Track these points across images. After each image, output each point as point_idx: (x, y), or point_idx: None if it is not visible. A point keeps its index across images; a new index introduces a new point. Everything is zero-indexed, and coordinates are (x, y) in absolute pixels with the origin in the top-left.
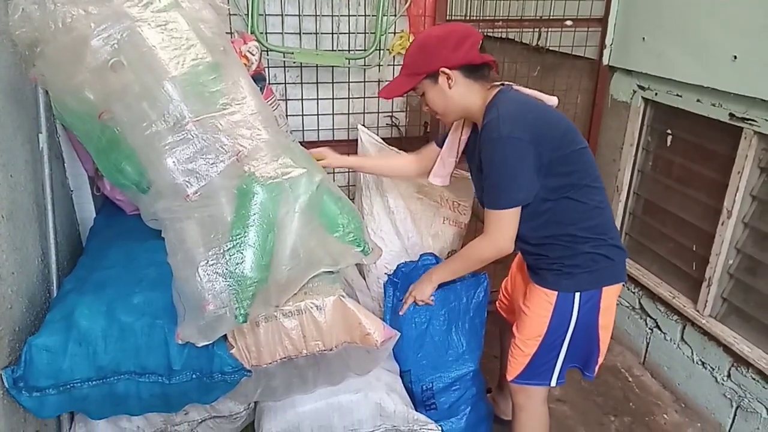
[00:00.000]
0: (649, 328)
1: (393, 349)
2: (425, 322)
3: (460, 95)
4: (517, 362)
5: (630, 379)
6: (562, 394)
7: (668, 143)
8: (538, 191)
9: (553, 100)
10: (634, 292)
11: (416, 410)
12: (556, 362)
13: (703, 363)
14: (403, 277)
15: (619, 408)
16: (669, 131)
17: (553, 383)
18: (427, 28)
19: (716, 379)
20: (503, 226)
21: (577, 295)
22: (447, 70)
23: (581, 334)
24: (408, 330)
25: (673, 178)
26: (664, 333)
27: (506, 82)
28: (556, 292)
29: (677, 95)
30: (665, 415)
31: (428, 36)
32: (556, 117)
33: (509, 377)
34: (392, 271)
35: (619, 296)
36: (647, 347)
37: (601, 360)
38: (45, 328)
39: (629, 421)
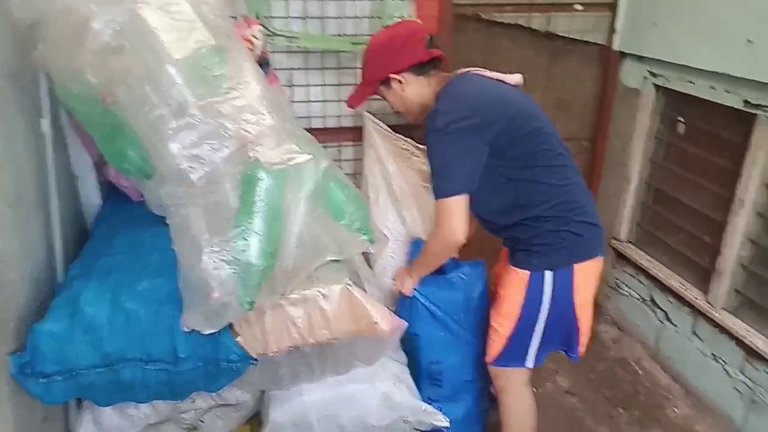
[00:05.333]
0: (660, 321)
1: (401, 311)
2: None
3: (415, 93)
4: (494, 343)
5: (640, 372)
6: (571, 386)
7: (680, 131)
8: (497, 177)
9: (515, 78)
10: (644, 284)
11: (419, 381)
12: (531, 343)
13: (714, 356)
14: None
15: (629, 401)
16: (681, 119)
17: (529, 364)
18: (375, 34)
19: (728, 372)
20: (449, 217)
21: (548, 273)
22: (395, 75)
23: (557, 314)
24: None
25: (685, 167)
26: (675, 325)
27: (465, 70)
28: (528, 272)
29: (690, 82)
30: (675, 409)
31: (373, 44)
32: (505, 100)
33: (488, 360)
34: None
35: (629, 287)
36: (657, 340)
37: (584, 339)
38: (50, 315)
39: (638, 414)
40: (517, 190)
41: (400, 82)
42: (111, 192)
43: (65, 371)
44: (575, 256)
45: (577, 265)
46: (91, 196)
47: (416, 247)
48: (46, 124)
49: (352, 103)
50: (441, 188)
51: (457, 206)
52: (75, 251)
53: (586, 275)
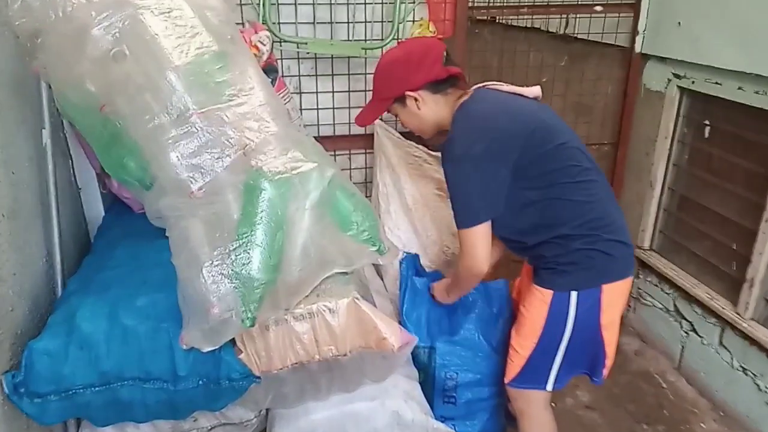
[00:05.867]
0: (685, 332)
1: (414, 324)
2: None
3: (431, 112)
4: (513, 364)
5: (664, 386)
6: (592, 400)
7: (706, 135)
8: (521, 197)
9: (534, 92)
10: (668, 294)
11: (433, 398)
12: (552, 365)
13: (744, 369)
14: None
15: (653, 416)
16: (707, 122)
17: (549, 387)
18: (388, 50)
19: (759, 386)
20: (473, 246)
21: (574, 294)
22: (412, 93)
23: (581, 336)
24: (432, 307)
25: (712, 171)
26: (701, 337)
27: (480, 85)
28: (552, 291)
29: (716, 83)
30: (702, 424)
31: (388, 60)
32: (523, 118)
33: (506, 380)
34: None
35: (652, 297)
36: (682, 351)
37: (609, 363)
38: (46, 332)
39: (663, 429)
40: (543, 209)
41: (416, 99)
42: (114, 204)
43: (61, 390)
44: (605, 277)
45: (607, 286)
46: (95, 208)
47: (409, 263)
48: (46, 135)
49: (364, 121)
50: (463, 219)
51: (479, 236)
52: (77, 265)
53: (615, 296)
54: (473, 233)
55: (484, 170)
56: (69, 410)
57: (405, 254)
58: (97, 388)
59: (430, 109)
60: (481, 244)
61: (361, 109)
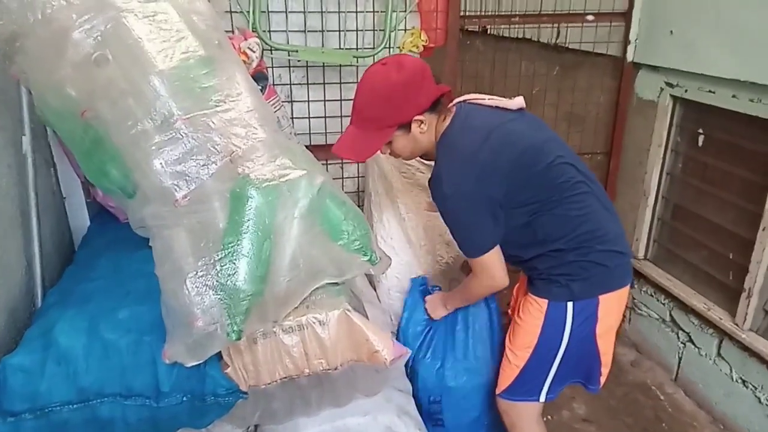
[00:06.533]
0: (682, 342)
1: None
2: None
3: (426, 136)
4: (505, 374)
5: (662, 398)
6: (589, 413)
7: (700, 143)
8: (515, 218)
9: (517, 103)
10: (664, 304)
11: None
12: (546, 377)
13: (743, 381)
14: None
15: (651, 428)
16: (700, 131)
17: (542, 399)
18: (376, 71)
19: (759, 399)
20: (489, 270)
21: (570, 305)
22: (420, 117)
23: (577, 347)
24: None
25: (706, 180)
26: (699, 348)
27: (461, 99)
28: (547, 301)
29: (710, 91)
30: None
31: (388, 84)
32: (508, 144)
33: (498, 391)
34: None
35: (647, 307)
36: (679, 363)
37: (605, 370)
38: (22, 346)
39: None
40: (536, 227)
41: (421, 123)
42: (99, 213)
43: (36, 409)
44: (601, 287)
45: (603, 296)
46: (80, 218)
47: (415, 285)
48: (26, 142)
49: (359, 156)
50: (472, 250)
51: (492, 260)
52: (60, 276)
53: (612, 306)
54: (485, 260)
55: (476, 203)
56: (45, 429)
57: (419, 278)
58: (75, 406)
59: (426, 132)
60: (495, 266)
61: (344, 143)
